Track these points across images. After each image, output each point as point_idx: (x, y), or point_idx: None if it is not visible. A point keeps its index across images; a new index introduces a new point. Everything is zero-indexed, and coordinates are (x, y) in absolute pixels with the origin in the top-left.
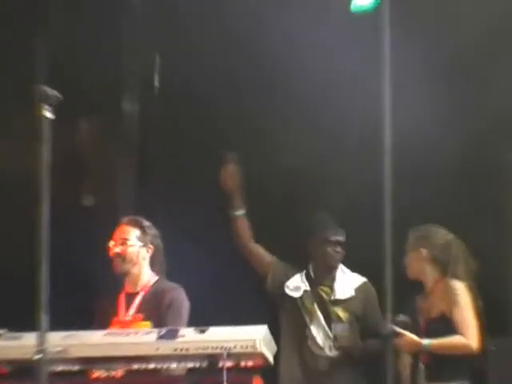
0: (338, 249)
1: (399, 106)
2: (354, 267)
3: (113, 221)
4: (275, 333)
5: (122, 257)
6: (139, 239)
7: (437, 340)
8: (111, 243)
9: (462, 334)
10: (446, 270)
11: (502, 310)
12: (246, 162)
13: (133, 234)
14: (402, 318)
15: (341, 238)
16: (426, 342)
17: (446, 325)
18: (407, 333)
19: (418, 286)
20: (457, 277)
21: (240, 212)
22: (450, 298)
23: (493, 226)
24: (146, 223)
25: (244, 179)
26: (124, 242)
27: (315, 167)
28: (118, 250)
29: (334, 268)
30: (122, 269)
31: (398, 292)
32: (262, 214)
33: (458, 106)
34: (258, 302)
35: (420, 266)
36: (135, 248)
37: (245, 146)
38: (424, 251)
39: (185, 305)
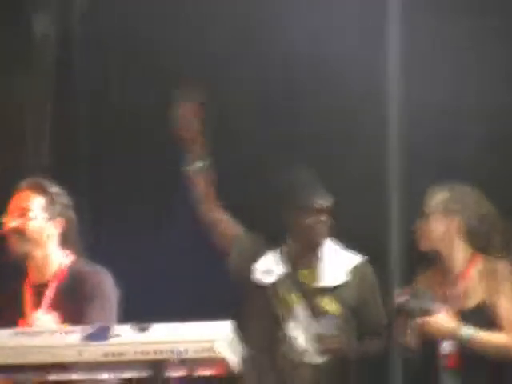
0: (323, 218)
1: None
2: (348, 242)
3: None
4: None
5: (20, 234)
6: (44, 210)
7: (481, 332)
8: (6, 215)
9: (504, 330)
10: (484, 245)
11: None
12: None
13: (36, 202)
14: (426, 291)
15: (325, 204)
16: (465, 329)
17: (485, 317)
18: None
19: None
20: (498, 255)
21: (200, 164)
22: (495, 283)
23: None
24: (54, 188)
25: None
26: (23, 213)
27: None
28: (14, 224)
29: (318, 244)
30: (21, 250)
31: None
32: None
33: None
34: (220, 289)
35: (450, 238)
36: (39, 222)
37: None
38: (457, 219)
39: (113, 293)
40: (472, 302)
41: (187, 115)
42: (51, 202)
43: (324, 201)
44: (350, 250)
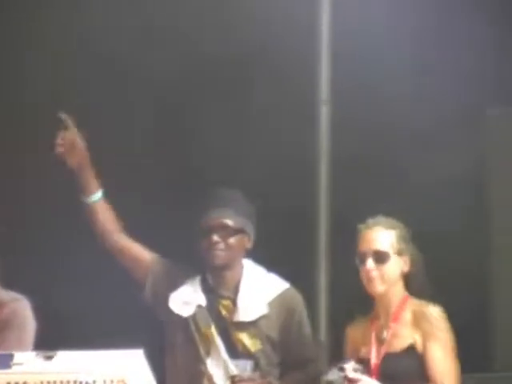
0: (219, 236)
1: None
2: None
3: None
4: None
5: None
6: None
7: None
8: None
9: (435, 379)
10: (412, 286)
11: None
12: None
13: None
14: (354, 365)
15: (223, 221)
16: None
17: (413, 362)
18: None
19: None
20: (425, 296)
21: (96, 196)
22: (427, 327)
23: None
24: None
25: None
26: None
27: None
28: None
29: (219, 267)
30: None
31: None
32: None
33: None
34: (134, 316)
35: (396, 278)
36: None
37: None
38: (405, 259)
39: (29, 321)
40: (400, 345)
41: (69, 145)
42: None
43: (221, 216)
44: (273, 276)
